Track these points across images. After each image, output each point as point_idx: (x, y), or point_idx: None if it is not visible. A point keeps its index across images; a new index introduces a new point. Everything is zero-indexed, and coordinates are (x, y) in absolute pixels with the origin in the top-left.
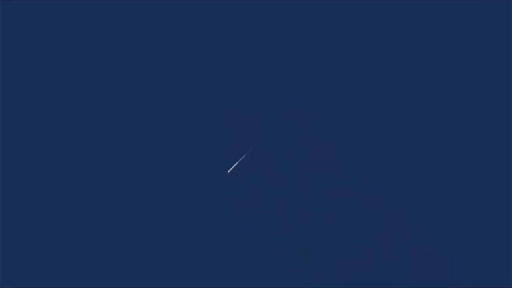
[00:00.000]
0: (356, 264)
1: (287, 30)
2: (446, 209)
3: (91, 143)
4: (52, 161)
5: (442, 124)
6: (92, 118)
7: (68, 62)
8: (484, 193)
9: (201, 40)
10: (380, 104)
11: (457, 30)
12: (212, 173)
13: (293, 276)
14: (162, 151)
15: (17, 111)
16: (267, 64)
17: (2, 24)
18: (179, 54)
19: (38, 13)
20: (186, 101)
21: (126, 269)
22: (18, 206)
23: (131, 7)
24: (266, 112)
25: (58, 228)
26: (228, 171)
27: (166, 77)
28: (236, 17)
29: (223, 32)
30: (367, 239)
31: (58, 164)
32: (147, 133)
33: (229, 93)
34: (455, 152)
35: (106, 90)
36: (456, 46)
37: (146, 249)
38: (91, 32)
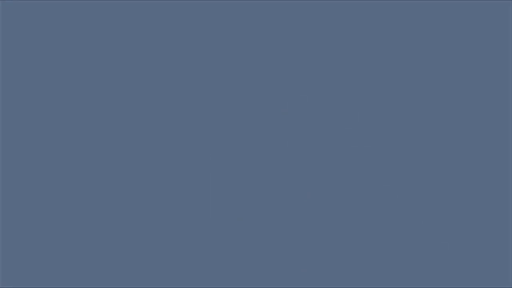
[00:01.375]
0: (356, 264)
1: (287, 30)
2: (446, 209)
3: (91, 143)
4: (52, 161)
5: (441, 124)
6: (91, 117)
7: (67, 62)
8: (484, 193)
9: (201, 40)
10: (380, 104)
11: (457, 30)
12: (212, 173)
13: (293, 276)
14: (162, 151)
15: (17, 111)
16: (267, 64)
17: (2, 24)
18: (179, 54)
19: (38, 13)
20: (186, 101)
21: (126, 269)
22: (18, 206)
23: (131, 7)
24: (266, 112)
25: (58, 228)
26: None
27: (166, 77)
28: (236, 17)
29: (223, 32)
30: (367, 239)
31: (58, 164)
32: (147, 133)
33: (229, 93)
34: (455, 152)
35: (106, 90)
36: (455, 46)
37: (146, 249)
38: (91, 32)
